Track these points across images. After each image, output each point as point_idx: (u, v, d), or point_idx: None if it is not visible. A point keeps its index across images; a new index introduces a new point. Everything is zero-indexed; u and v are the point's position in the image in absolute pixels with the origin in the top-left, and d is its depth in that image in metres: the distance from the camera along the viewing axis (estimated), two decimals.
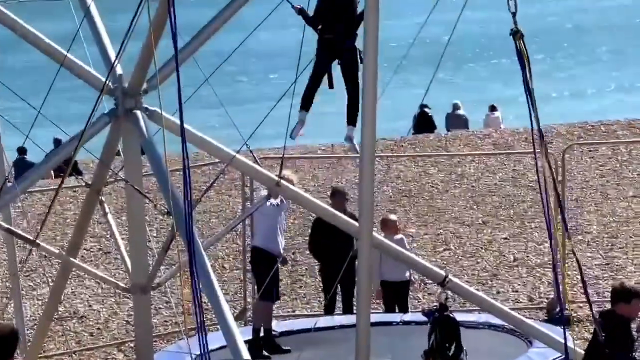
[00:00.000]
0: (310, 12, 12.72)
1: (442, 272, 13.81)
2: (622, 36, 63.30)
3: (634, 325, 12.24)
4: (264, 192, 14.57)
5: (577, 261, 12.54)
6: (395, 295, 16.14)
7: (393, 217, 17.68)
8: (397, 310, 16.52)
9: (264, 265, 15.46)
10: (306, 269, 19.63)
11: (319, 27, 12.78)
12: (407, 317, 16.12)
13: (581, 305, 17.04)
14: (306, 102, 13.13)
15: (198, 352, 11.96)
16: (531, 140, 10.72)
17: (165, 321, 18.03)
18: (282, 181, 12.80)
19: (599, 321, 11.19)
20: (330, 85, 13.11)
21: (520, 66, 10.00)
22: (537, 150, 10.51)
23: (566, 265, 16.06)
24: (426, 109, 32.60)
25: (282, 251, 15.95)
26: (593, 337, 11.28)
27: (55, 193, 15.32)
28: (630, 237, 20.61)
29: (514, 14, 10.27)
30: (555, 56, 59.75)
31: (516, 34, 9.96)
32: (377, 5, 10.79)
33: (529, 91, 10.02)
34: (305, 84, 13.15)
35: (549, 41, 60.60)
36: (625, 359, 11.29)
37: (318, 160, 25.27)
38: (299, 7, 12.52)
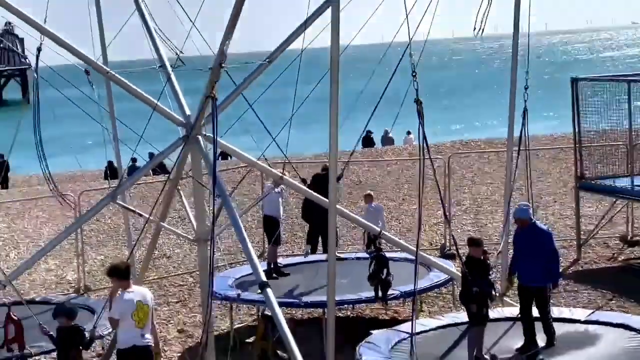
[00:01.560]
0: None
1: (378, 228, 15.99)
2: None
3: (494, 259, 14.69)
4: (270, 184, 16.07)
5: (448, 221, 16.32)
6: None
7: (370, 192, 20.10)
8: None
9: (271, 225, 17.96)
10: (299, 227, 22.19)
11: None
12: (359, 254, 18.43)
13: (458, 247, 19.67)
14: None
15: (238, 275, 17.00)
16: (434, 151, 13.67)
17: (217, 259, 17.67)
18: (284, 177, 14.29)
19: (463, 260, 13.15)
20: None
21: (419, 118, 11.71)
22: (432, 157, 12.69)
23: (451, 224, 19.80)
24: (370, 133, 40.81)
25: (281, 217, 18.30)
26: (462, 268, 13.19)
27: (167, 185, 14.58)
28: (488, 207, 24.60)
29: (414, 76, 11.60)
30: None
31: (417, 101, 11.51)
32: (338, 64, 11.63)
33: (423, 132, 11.77)
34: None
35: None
36: (482, 285, 12.80)
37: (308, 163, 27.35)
38: None
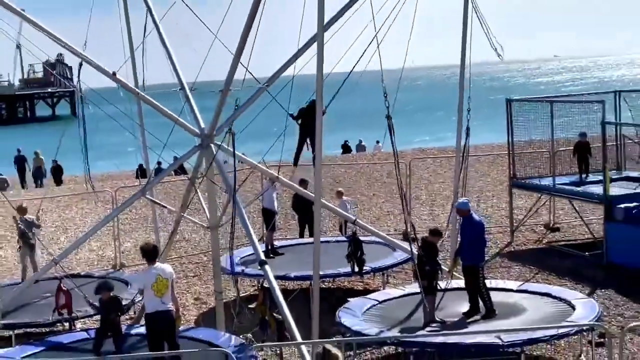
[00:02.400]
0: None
1: (353, 217, 16.45)
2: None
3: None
4: (267, 182, 17.38)
5: (406, 212, 14.67)
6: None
7: (341, 189, 20.83)
8: None
9: (268, 215, 18.16)
10: (291, 216, 21.84)
11: (299, 121, 14.28)
12: (340, 238, 18.41)
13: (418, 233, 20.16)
14: (295, 161, 15.15)
15: (242, 255, 17.01)
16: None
17: (226, 242, 19.07)
18: (279, 176, 15.08)
19: (420, 245, 13.31)
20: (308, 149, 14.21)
21: (390, 131, 12.20)
22: (397, 161, 12.83)
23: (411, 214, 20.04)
24: (347, 142, 40.96)
25: (276, 209, 18.53)
26: (419, 252, 13.29)
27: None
28: (441, 201, 24.35)
29: (386, 97, 11.92)
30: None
31: (387, 117, 12.06)
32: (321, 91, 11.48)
33: (392, 141, 12.36)
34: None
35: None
36: (432, 264, 13.06)
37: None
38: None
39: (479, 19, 14.18)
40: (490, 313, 13.08)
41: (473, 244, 13.30)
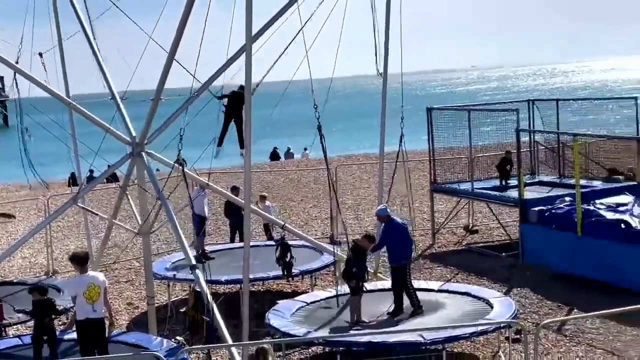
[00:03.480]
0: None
1: (281, 222, 17.16)
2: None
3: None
4: (198, 189, 16.89)
5: (331, 217, 16.39)
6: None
7: (265, 194, 20.77)
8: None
9: (199, 221, 17.70)
10: (222, 222, 22.06)
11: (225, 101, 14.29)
12: (268, 243, 18.06)
13: (344, 235, 19.01)
14: (220, 141, 14.89)
15: (174, 260, 16.74)
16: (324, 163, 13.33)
17: (157, 248, 20.16)
18: (209, 183, 15.05)
19: (351, 247, 13.24)
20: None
21: (320, 140, 12.52)
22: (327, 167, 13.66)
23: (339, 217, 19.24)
24: (277, 149, 40.73)
25: (207, 214, 18.06)
26: (348, 254, 13.42)
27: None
28: (366, 205, 24.75)
29: (316, 108, 12.06)
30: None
31: (319, 128, 12.19)
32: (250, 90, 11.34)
33: (323, 147, 12.77)
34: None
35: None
36: (361, 266, 13.13)
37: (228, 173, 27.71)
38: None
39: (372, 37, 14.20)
40: (418, 309, 13.19)
41: (398, 246, 13.39)
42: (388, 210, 13.95)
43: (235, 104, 13.96)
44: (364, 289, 13.33)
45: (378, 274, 16.20)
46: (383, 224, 13.95)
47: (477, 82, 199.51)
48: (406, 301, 13.38)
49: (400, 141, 15.12)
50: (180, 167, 12.33)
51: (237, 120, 14.13)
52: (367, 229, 20.45)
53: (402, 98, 14.71)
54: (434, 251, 19.65)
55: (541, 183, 20.76)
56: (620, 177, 19.73)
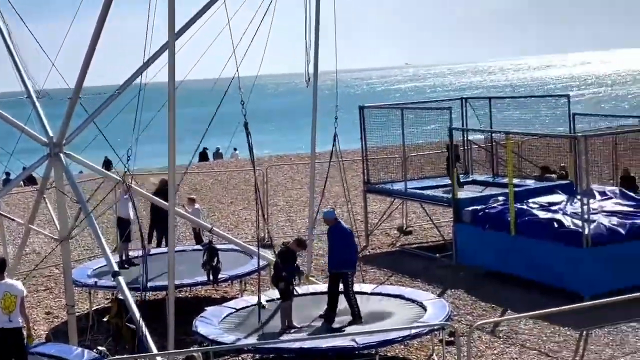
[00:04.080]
0: None
1: (209, 225, 17.03)
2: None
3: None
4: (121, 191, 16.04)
5: (265, 219, 16.01)
6: None
7: (193, 197, 20.37)
8: None
9: (123, 225, 17.28)
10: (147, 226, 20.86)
11: None
12: (196, 247, 18.08)
13: (276, 239, 19.06)
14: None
15: (95, 267, 16.54)
16: (256, 164, 13.84)
17: (78, 254, 19.96)
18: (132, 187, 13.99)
19: (280, 250, 13.33)
20: None
21: (247, 139, 12.63)
22: (255, 168, 13.76)
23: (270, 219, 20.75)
24: (206, 149, 40.77)
25: (131, 218, 17.12)
26: (275, 258, 13.57)
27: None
28: (298, 207, 24.95)
29: (243, 104, 12.03)
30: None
31: (245, 125, 12.35)
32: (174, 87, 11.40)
33: (249, 145, 12.83)
34: None
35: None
36: (290, 269, 13.20)
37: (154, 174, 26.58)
38: None
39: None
40: (358, 320, 13.20)
41: (342, 252, 13.39)
42: (335, 213, 13.94)
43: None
44: (295, 293, 13.34)
45: (310, 278, 16.21)
46: (328, 228, 13.89)
47: (412, 80, 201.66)
48: (341, 305, 13.40)
49: (334, 140, 15.20)
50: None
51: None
52: (300, 232, 20.60)
53: (336, 96, 14.76)
54: (368, 253, 19.77)
55: (475, 182, 21.07)
56: (553, 175, 20.19)
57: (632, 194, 17.74)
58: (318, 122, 15.94)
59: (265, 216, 20.49)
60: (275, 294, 13.77)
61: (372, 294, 14.60)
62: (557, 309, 11.42)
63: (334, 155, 15.57)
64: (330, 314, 13.36)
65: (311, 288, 14.94)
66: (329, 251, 13.62)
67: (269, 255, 16.11)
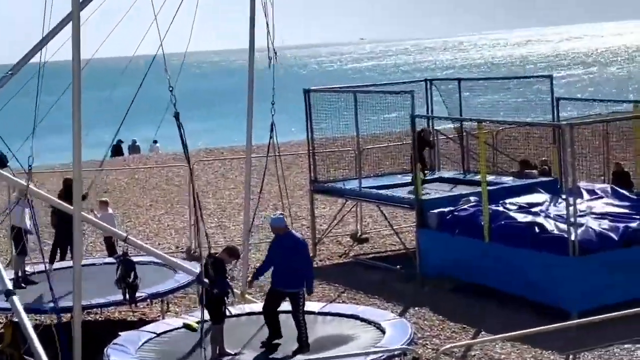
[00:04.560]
0: None
1: (124, 234, 16.68)
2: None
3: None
4: (16, 194, 16.78)
5: (198, 226, 15.22)
6: None
7: (106, 199, 20.49)
8: None
9: (18, 236, 16.67)
10: (48, 235, 20.46)
11: None
12: (107, 260, 18.33)
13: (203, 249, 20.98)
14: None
15: None
16: (179, 159, 14.47)
17: None
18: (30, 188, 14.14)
19: (210, 262, 13.10)
20: None
21: (179, 130, 12.06)
22: (189, 165, 13.47)
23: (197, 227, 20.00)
24: (120, 142, 40.55)
25: (28, 227, 16.88)
26: (200, 270, 13.36)
27: None
28: (231, 210, 25.10)
29: (171, 90, 11.79)
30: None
31: (175, 115, 11.93)
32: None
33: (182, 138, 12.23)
34: None
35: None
36: (221, 286, 13.03)
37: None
38: None
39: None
40: (305, 348, 13.22)
41: (293, 267, 13.36)
42: (285, 220, 13.90)
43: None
44: (228, 314, 13.32)
45: (246, 295, 16.19)
46: (275, 237, 13.86)
47: (371, 58, 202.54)
48: (287, 329, 13.43)
49: (271, 131, 15.19)
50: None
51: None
52: (234, 240, 20.61)
53: (272, 77, 14.75)
54: (315, 265, 19.60)
55: (442, 180, 21.26)
56: (534, 171, 20.47)
57: (625, 192, 18.03)
58: (261, 108, 15.90)
59: (194, 223, 20.56)
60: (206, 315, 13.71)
61: (320, 313, 14.62)
62: (539, 328, 11.58)
63: (271, 149, 15.54)
64: (272, 338, 13.33)
65: (247, 307, 14.92)
66: (276, 265, 13.58)
67: (198, 269, 16.21)
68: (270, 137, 15.40)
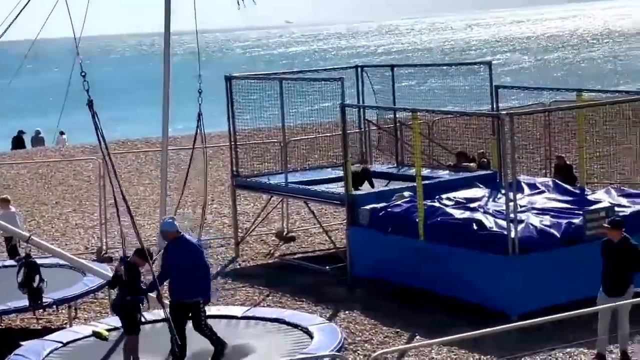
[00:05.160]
0: None
1: (27, 234, 16.71)
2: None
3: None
4: None
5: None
6: None
7: (6, 197, 20.14)
8: None
9: None
10: None
11: None
12: (8, 262, 18.10)
13: (114, 251, 19.85)
14: None
15: None
16: (88, 152, 14.48)
17: None
18: None
19: (119, 267, 13.36)
20: None
21: (93, 120, 12.20)
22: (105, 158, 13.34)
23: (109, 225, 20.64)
24: (21, 133, 40.11)
25: None
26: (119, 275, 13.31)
27: None
28: (146, 208, 25.07)
29: (84, 76, 11.98)
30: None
31: (89, 102, 11.97)
32: None
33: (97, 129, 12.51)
34: None
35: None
36: (134, 292, 13.11)
37: None
38: None
39: None
40: (221, 348, 13.23)
41: (188, 276, 13.25)
42: (176, 223, 13.81)
43: None
44: (142, 320, 13.24)
45: (163, 300, 16.11)
46: (167, 244, 13.75)
47: (301, 43, 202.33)
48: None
49: (198, 120, 15.13)
50: None
51: None
52: (150, 241, 20.45)
53: (198, 63, 14.70)
54: (238, 266, 19.80)
55: (374, 174, 21.29)
56: (471, 164, 20.63)
57: (568, 186, 18.28)
58: (182, 96, 15.88)
59: (104, 221, 20.76)
60: (117, 322, 13.63)
61: (243, 318, 14.63)
62: (477, 332, 11.63)
63: (199, 140, 15.48)
64: (181, 353, 13.25)
65: (163, 313, 14.78)
66: (171, 275, 13.48)
67: (109, 271, 16.06)
68: (197, 128, 15.36)
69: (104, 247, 20.86)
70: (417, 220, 16.69)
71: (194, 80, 15.21)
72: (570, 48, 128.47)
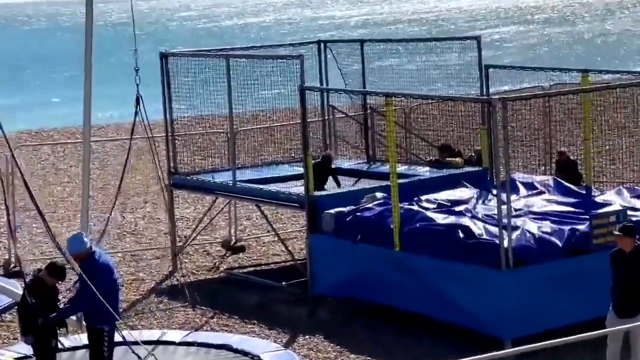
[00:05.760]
0: None
1: None
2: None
3: None
4: None
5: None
6: None
7: None
8: None
9: None
10: None
11: None
12: None
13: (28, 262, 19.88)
14: None
15: None
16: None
17: None
18: None
19: (32, 283, 13.44)
20: None
21: None
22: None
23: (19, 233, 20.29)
24: None
25: None
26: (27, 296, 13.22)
27: None
28: (65, 212, 24.77)
29: None
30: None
31: None
32: None
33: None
34: None
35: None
36: (46, 313, 13.14)
37: None
38: None
39: None
40: None
41: (94, 298, 13.10)
42: (87, 240, 13.74)
43: None
44: (59, 347, 13.38)
45: (84, 323, 16.07)
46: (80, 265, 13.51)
47: (256, 14, 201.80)
48: None
49: (137, 105, 15.12)
50: None
51: None
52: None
53: (134, 36, 14.63)
54: (176, 282, 19.74)
55: (340, 171, 21.28)
56: (457, 159, 20.64)
57: (572, 186, 18.33)
58: (112, 75, 15.84)
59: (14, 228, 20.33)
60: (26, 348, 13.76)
61: (182, 344, 14.72)
62: None
63: (138, 128, 15.51)
64: None
65: (85, 338, 14.56)
66: (79, 298, 13.51)
67: (19, 288, 16.02)
68: (136, 114, 15.32)
69: (13, 258, 20.71)
70: (391, 226, 16.68)
71: (130, 56, 15.10)
72: (580, 20, 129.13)
